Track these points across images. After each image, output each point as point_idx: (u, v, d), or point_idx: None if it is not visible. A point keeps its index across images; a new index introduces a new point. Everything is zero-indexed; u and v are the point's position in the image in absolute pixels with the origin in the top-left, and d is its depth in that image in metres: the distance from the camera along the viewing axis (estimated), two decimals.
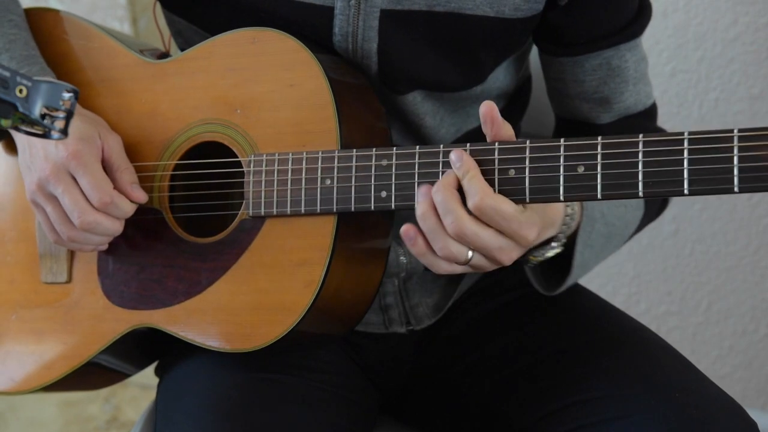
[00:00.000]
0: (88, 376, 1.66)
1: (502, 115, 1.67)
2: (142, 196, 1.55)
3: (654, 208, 1.67)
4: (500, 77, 1.64)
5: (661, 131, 1.69)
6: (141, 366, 1.72)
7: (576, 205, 1.49)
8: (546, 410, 1.53)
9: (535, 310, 1.65)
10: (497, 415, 1.60)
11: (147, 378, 1.79)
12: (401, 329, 1.68)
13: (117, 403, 2.85)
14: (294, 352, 1.59)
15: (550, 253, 1.50)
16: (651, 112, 1.68)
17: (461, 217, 1.37)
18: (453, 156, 1.39)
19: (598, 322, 1.61)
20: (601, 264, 2.47)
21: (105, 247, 1.57)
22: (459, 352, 1.67)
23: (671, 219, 2.43)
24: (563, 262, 1.53)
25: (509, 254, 1.40)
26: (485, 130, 1.41)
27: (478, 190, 1.37)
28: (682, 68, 2.36)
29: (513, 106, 1.72)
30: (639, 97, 1.65)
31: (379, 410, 1.73)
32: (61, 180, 1.52)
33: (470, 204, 1.37)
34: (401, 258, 1.62)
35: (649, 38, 2.35)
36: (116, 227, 1.54)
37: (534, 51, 1.70)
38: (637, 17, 1.60)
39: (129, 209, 1.54)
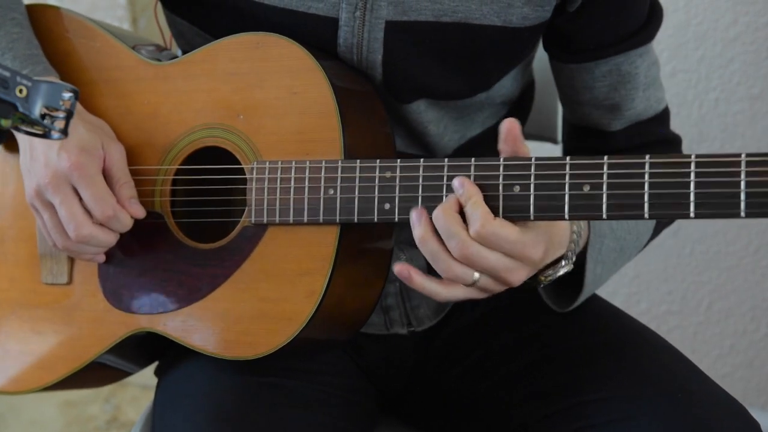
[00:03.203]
0: (88, 376, 1.65)
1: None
2: (140, 212, 1.54)
3: (665, 221, 1.66)
4: (506, 84, 1.64)
5: (673, 138, 1.69)
6: (141, 365, 1.72)
7: (583, 222, 1.49)
8: (547, 411, 1.53)
9: (535, 312, 1.65)
10: (498, 416, 1.60)
11: (147, 378, 1.79)
12: (402, 330, 1.68)
13: (117, 403, 2.86)
14: (295, 358, 1.58)
15: (560, 272, 1.48)
16: (663, 117, 1.67)
17: (465, 240, 1.36)
18: (455, 183, 1.38)
19: (599, 323, 1.61)
20: None
21: (102, 258, 1.57)
22: (460, 352, 1.67)
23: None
24: (575, 279, 1.53)
25: (517, 274, 1.39)
26: (503, 147, 1.39)
27: (480, 216, 1.36)
28: (682, 68, 2.36)
29: (516, 112, 1.71)
30: (649, 103, 1.64)
31: (380, 411, 1.73)
32: (60, 190, 1.51)
33: (472, 231, 1.36)
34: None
35: None
36: (111, 240, 1.53)
37: (538, 56, 1.70)
38: (648, 23, 1.59)
39: (129, 223, 1.53)
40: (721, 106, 2.35)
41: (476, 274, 1.38)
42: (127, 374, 1.72)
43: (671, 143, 1.69)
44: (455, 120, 1.63)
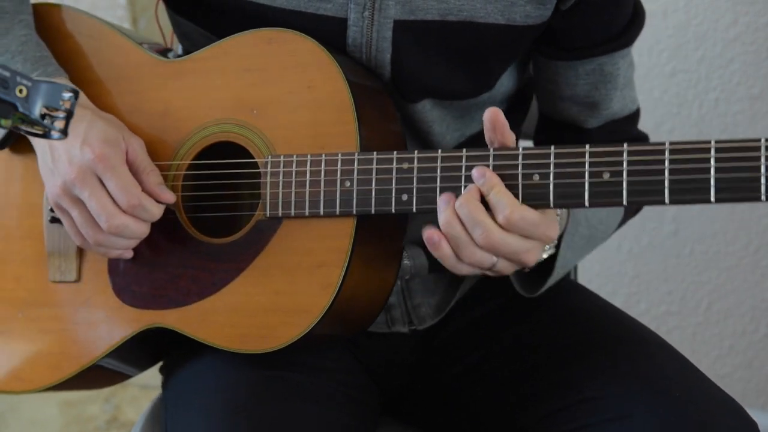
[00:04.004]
0: (93, 376, 1.65)
1: (506, 118, 1.68)
2: (170, 197, 1.54)
3: (631, 212, 1.68)
4: (505, 82, 1.65)
5: (643, 137, 1.72)
6: (143, 367, 1.72)
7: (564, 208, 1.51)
8: (546, 410, 1.54)
9: (535, 311, 1.65)
10: (497, 414, 1.60)
11: (147, 378, 1.79)
12: (403, 329, 1.69)
13: (117, 403, 2.86)
14: (304, 352, 1.59)
15: (544, 255, 1.51)
16: (634, 117, 1.71)
17: (491, 228, 1.38)
18: (476, 173, 1.40)
19: (598, 322, 1.62)
20: (601, 264, 2.48)
21: (130, 254, 1.57)
22: (460, 352, 1.67)
23: (671, 219, 2.43)
24: (542, 263, 1.54)
25: (534, 254, 1.42)
26: (489, 136, 1.42)
27: (507, 203, 1.38)
28: (682, 68, 2.37)
29: (516, 109, 1.72)
30: (625, 102, 1.67)
31: (381, 411, 1.73)
32: (88, 183, 1.51)
33: (501, 217, 1.38)
34: (405, 261, 1.62)
35: (649, 38, 2.36)
36: (143, 230, 1.53)
37: None
38: (631, 24, 1.62)
39: (157, 211, 1.53)
40: (721, 106, 2.35)
41: (495, 258, 1.40)
42: (128, 377, 1.72)
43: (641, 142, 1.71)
44: (456, 119, 1.63)
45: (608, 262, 2.48)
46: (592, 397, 1.50)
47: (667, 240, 2.44)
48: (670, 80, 2.37)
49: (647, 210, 2.41)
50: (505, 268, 1.43)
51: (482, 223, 1.38)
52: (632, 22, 1.62)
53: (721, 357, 2.45)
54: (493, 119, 1.41)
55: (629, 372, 1.51)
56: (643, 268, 2.47)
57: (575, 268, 1.97)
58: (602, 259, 2.48)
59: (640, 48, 2.35)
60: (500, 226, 1.38)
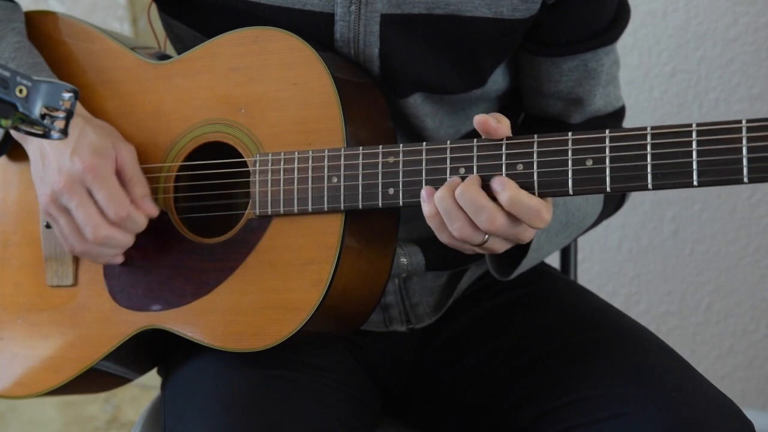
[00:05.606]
0: (92, 380, 1.65)
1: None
2: (152, 210, 1.55)
3: (612, 205, 1.68)
4: (498, 79, 1.65)
5: None
6: (142, 371, 1.72)
7: None
8: (543, 409, 1.54)
9: (533, 310, 1.65)
10: (495, 413, 1.61)
11: (147, 378, 1.79)
12: (401, 328, 1.69)
13: (117, 403, 2.86)
14: (301, 351, 1.59)
15: None
16: (618, 114, 1.71)
17: (494, 211, 1.38)
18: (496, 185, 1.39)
19: (595, 321, 1.62)
20: (601, 264, 2.48)
21: (120, 260, 1.58)
22: (458, 351, 1.67)
23: (671, 219, 2.43)
24: (517, 247, 1.54)
25: (531, 232, 1.41)
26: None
27: (510, 186, 1.38)
28: (682, 68, 2.37)
29: (510, 109, 1.72)
30: (608, 99, 1.68)
31: (382, 412, 1.73)
32: (75, 193, 1.52)
33: (504, 197, 1.37)
34: (402, 259, 1.62)
35: (649, 38, 2.36)
36: (128, 240, 1.55)
37: None
38: (615, 21, 1.62)
39: (143, 223, 1.54)
40: (721, 106, 2.35)
41: (486, 236, 1.40)
42: (127, 381, 1.73)
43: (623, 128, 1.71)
44: (450, 114, 1.64)
45: (608, 262, 2.48)
46: (588, 396, 1.51)
47: (667, 240, 2.43)
48: (670, 80, 2.37)
49: (647, 210, 2.42)
50: (499, 245, 1.42)
51: (485, 208, 1.38)
52: (617, 18, 1.62)
53: (721, 357, 2.45)
54: (482, 128, 1.41)
55: (626, 371, 1.51)
56: (643, 268, 2.47)
57: (575, 269, 1.97)
58: (602, 259, 2.48)
59: (640, 48, 2.36)
60: (502, 208, 1.38)
